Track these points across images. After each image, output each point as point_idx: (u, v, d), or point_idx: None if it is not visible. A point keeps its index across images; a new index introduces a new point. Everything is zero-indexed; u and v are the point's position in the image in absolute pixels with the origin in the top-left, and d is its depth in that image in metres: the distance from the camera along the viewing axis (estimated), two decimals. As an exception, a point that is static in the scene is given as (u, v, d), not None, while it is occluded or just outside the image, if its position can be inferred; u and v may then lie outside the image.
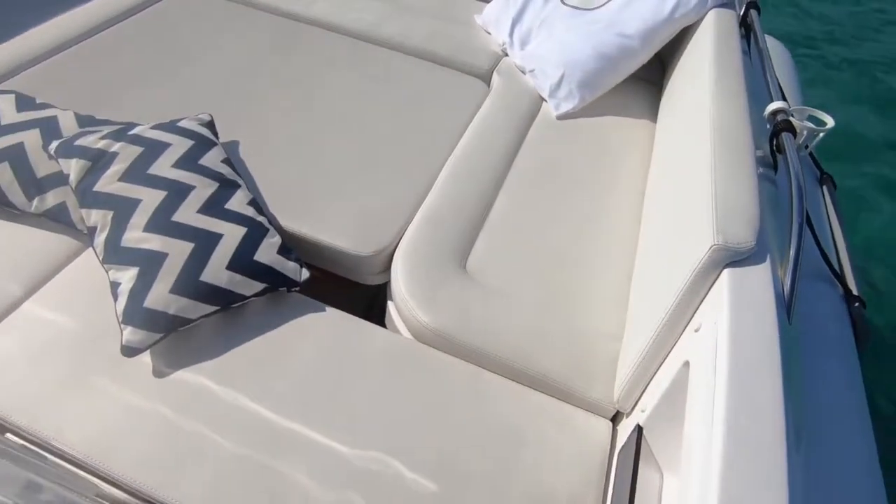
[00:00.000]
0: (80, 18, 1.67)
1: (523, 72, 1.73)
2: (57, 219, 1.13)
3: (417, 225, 1.23)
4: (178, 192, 1.08)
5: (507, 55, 1.82)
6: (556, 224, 1.31)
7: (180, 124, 1.22)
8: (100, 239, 1.03)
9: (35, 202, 1.13)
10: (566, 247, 1.26)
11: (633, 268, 1.21)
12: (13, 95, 1.26)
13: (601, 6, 1.67)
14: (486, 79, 1.76)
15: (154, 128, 1.19)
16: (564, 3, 1.72)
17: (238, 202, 1.13)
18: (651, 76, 1.79)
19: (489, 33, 1.90)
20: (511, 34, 1.78)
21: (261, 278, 1.05)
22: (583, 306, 1.15)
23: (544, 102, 1.67)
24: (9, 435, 0.95)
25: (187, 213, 1.05)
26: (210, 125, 1.29)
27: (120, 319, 0.96)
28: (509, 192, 1.36)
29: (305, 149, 1.38)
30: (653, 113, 1.70)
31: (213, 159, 1.18)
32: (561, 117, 1.62)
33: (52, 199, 1.13)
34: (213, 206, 1.09)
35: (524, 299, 1.14)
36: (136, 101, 1.46)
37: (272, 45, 1.72)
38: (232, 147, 1.37)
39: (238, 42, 1.71)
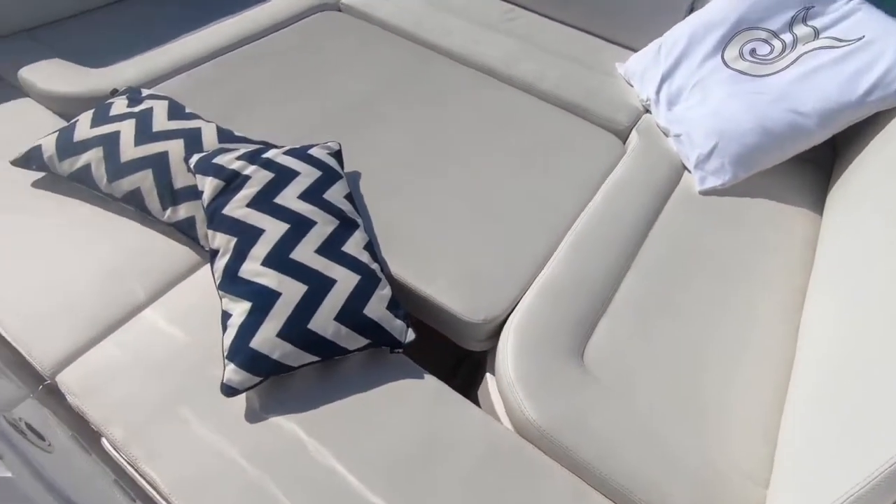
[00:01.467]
0: (232, 29, 1.75)
1: (667, 134, 1.57)
2: (185, 231, 1.16)
3: (534, 297, 1.13)
4: (299, 227, 1.05)
5: (649, 112, 1.67)
6: (693, 319, 1.14)
7: (311, 152, 1.21)
8: (220, 264, 1.03)
9: (168, 212, 1.15)
10: (704, 349, 1.09)
11: (789, 392, 1.02)
12: (167, 102, 1.31)
13: (772, 74, 1.47)
14: (623, 136, 1.62)
15: (287, 153, 1.18)
16: (727, 66, 1.54)
17: (355, 245, 1.08)
18: (817, 157, 1.56)
19: (631, 85, 1.76)
20: (658, 91, 1.63)
21: (366, 334, 0.99)
22: (720, 430, 0.97)
23: (687, 173, 1.50)
24: (104, 440, 0.96)
25: (305, 252, 1.02)
26: (338, 155, 1.27)
27: (225, 353, 0.94)
28: (640, 273, 1.22)
29: (422, 189, 1.33)
30: (816, 201, 1.47)
31: (336, 194, 1.15)
32: (705, 193, 1.44)
33: (183, 211, 1.15)
34: (331, 247, 1.05)
35: (650, 409, 0.99)
36: (271, 116, 1.48)
37: (405, 72, 1.70)
38: (352, 178, 1.34)
39: (373, 66, 1.71)
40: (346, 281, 1.01)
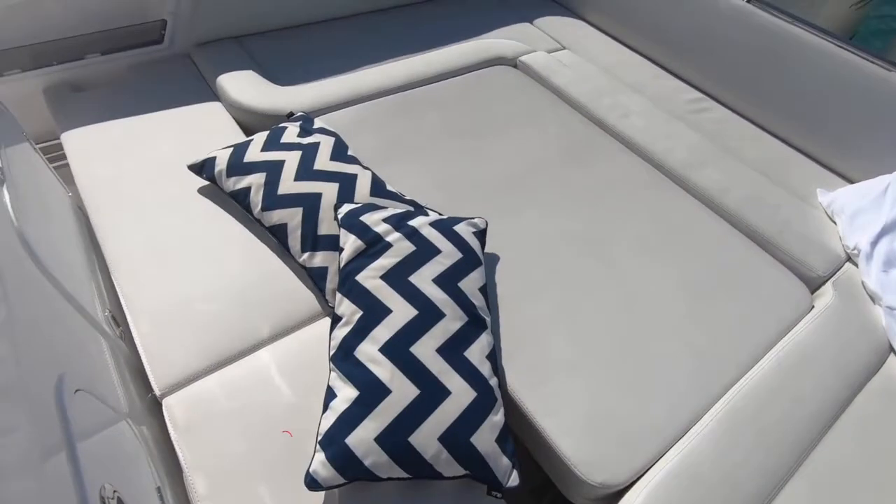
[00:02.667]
0: (407, 69, 1.75)
1: (875, 302, 1.27)
2: (314, 279, 1.13)
3: (666, 475, 0.93)
4: (427, 316, 0.97)
5: (854, 265, 1.37)
6: None
7: (456, 228, 1.13)
8: (339, 333, 0.98)
9: (305, 255, 1.14)
10: None
11: None
12: (333, 140, 1.32)
13: None
14: (814, 285, 1.34)
15: (433, 225, 1.11)
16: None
17: (479, 351, 0.97)
18: None
19: (834, 223, 1.47)
20: (874, 243, 1.33)
21: (468, 464, 0.87)
22: None
23: (894, 357, 1.19)
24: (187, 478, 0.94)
25: (427, 348, 0.93)
26: (482, 234, 1.18)
27: (319, 438, 0.87)
28: (810, 482, 0.96)
29: (565, 298, 1.18)
30: None
31: (472, 284, 1.06)
32: (917, 392, 1.13)
33: (319, 259, 1.13)
34: (454, 349, 0.95)
35: None
36: (426, 168, 1.44)
37: (572, 148, 1.57)
38: (490, 260, 1.24)
39: (539, 134, 1.61)
40: (460, 396, 0.90)
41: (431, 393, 0.89)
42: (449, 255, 1.07)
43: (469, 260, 1.09)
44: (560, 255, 1.27)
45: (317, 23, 1.96)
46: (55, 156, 1.56)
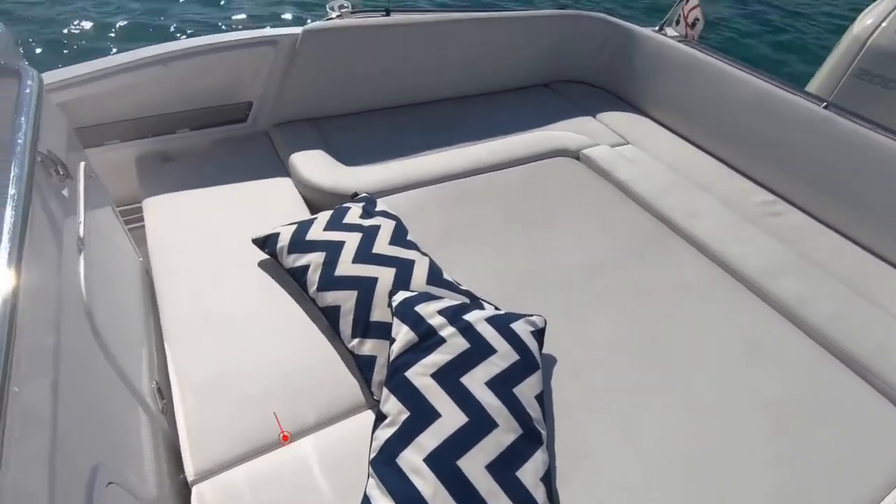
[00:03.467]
0: (469, 156, 1.79)
1: None
2: (361, 368, 1.09)
3: None
4: (478, 425, 0.89)
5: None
6: None
7: (513, 326, 1.07)
8: (382, 434, 0.91)
9: (355, 342, 1.11)
10: None
11: None
12: (394, 224, 1.32)
13: None
14: None
15: (489, 321, 1.06)
16: None
17: (532, 471, 0.88)
18: None
19: (942, 351, 1.29)
20: None
21: None
22: None
23: None
24: None
25: (475, 463, 0.85)
26: (540, 334, 1.11)
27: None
28: None
29: (630, 415, 1.07)
30: None
31: (528, 391, 0.98)
32: None
33: (368, 347, 1.09)
34: (505, 466, 0.86)
35: None
36: (484, 258, 1.41)
37: (637, 247, 1.51)
38: (547, 363, 1.16)
39: (602, 230, 1.56)
40: (510, 526, 0.80)
41: (478, 518, 0.80)
42: (505, 355, 1.00)
43: (526, 363, 1.02)
44: (623, 362, 1.18)
45: (385, 109, 2.07)
46: (134, 218, 1.66)
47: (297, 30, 1.73)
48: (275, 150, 1.79)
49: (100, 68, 1.49)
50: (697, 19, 2.64)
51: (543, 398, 1.02)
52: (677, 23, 2.57)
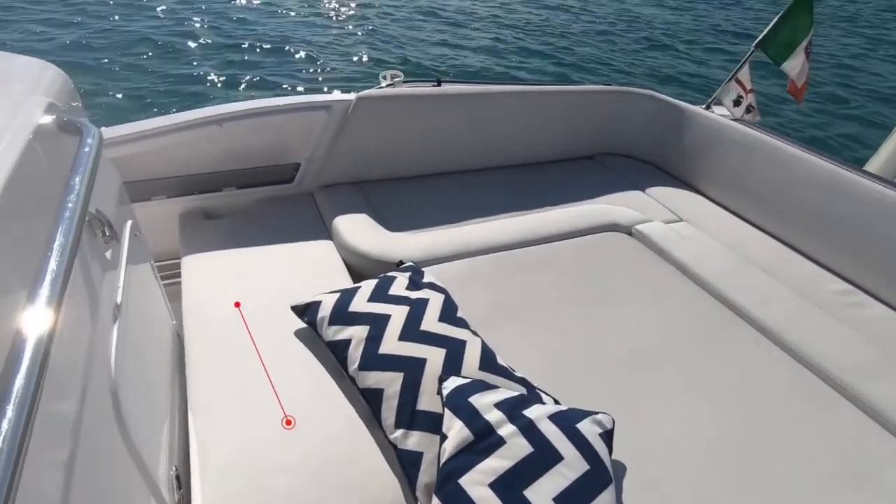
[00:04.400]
0: (517, 227, 1.72)
1: None
2: (404, 464, 0.96)
3: None
4: (546, 555, 0.74)
5: None
6: None
7: (579, 427, 0.93)
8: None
9: (398, 433, 0.98)
10: None
11: None
12: (442, 298, 1.23)
13: None
14: None
15: (552, 419, 0.93)
16: None
17: None
18: None
19: None
20: None
21: None
22: None
23: None
24: None
25: None
26: (608, 437, 0.97)
27: None
28: None
29: None
30: None
31: (601, 511, 0.83)
32: None
33: (414, 441, 0.96)
34: None
35: None
36: (537, 338, 1.30)
37: (699, 332, 1.38)
38: (617, 473, 1.01)
39: (658, 310, 1.44)
40: None
41: None
42: (573, 464, 0.87)
43: (597, 475, 0.87)
44: (699, 473, 1.01)
45: (432, 175, 2.04)
46: (172, 273, 1.61)
47: (351, 96, 1.75)
48: (319, 212, 1.76)
49: (158, 126, 1.51)
50: (752, 107, 2.61)
51: (617, 519, 0.86)
52: (737, 104, 2.54)
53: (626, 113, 2.28)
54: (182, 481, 0.95)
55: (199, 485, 0.91)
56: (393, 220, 1.72)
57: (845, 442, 1.11)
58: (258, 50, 6.07)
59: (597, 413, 1.00)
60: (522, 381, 1.09)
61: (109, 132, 1.46)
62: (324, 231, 1.65)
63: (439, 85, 1.96)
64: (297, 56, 6.09)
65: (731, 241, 1.85)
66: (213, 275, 1.41)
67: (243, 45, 6.08)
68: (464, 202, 1.89)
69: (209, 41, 6.10)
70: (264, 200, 1.78)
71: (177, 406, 1.09)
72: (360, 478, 0.96)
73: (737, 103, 2.67)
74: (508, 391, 0.99)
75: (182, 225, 1.62)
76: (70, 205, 0.59)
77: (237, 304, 1.31)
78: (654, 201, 2.09)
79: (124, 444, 0.74)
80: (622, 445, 1.04)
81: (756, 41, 2.65)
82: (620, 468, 1.01)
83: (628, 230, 1.83)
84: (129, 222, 1.00)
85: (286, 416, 1.04)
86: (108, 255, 0.82)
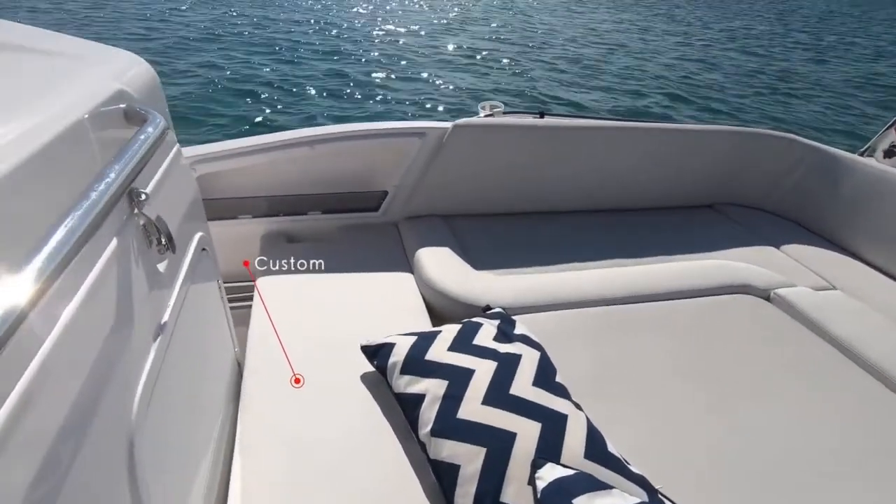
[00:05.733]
0: (627, 279, 1.46)
1: None
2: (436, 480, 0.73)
3: None
4: None
5: None
6: None
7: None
8: None
9: (433, 445, 0.76)
10: None
11: None
12: (538, 356, 1.01)
13: None
14: None
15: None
16: None
17: None
18: None
19: None
20: None
21: None
22: None
23: None
24: None
25: None
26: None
27: None
28: None
29: None
30: None
31: None
32: None
33: (447, 450, 0.73)
34: None
35: None
36: (647, 416, 1.04)
37: (876, 434, 1.02)
38: None
39: (815, 401, 1.11)
40: None
41: None
42: None
43: None
44: None
45: (527, 213, 1.85)
46: (244, 296, 1.54)
47: (448, 124, 1.63)
48: (402, 243, 1.62)
49: (249, 144, 1.47)
50: None
51: None
52: (889, 154, 2.13)
53: (758, 157, 1.96)
54: None
55: None
56: (481, 259, 1.53)
57: None
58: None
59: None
60: (640, 481, 0.82)
61: (200, 149, 1.44)
62: (406, 264, 1.51)
63: (542, 117, 1.80)
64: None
65: None
66: (286, 299, 1.30)
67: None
68: (561, 246, 1.67)
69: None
70: (348, 228, 1.69)
71: (223, 443, 0.96)
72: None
73: (889, 154, 2.25)
74: (623, 496, 0.74)
75: (263, 246, 1.55)
76: (100, 186, 0.47)
77: (307, 335, 1.18)
78: (795, 262, 1.73)
79: (139, 488, 0.60)
80: None
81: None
82: None
83: (766, 294, 1.50)
84: (199, 235, 0.91)
85: (339, 475, 0.86)
86: (160, 267, 0.70)
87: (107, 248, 0.56)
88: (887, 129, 2.23)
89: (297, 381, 1.03)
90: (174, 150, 0.86)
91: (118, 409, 0.54)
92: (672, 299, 1.42)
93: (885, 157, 2.08)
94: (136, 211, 0.63)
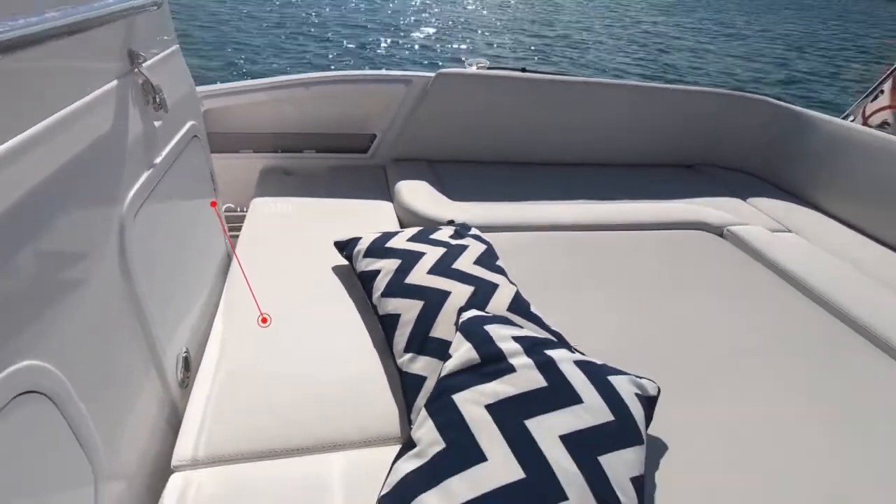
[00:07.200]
0: (583, 211, 1.58)
1: None
2: (406, 388, 0.87)
3: None
4: (537, 488, 0.61)
5: None
6: None
7: (612, 379, 0.78)
8: (403, 466, 0.67)
9: (405, 357, 0.90)
10: None
11: None
12: (484, 247, 1.15)
13: None
14: None
15: (579, 364, 0.79)
16: None
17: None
18: None
19: None
20: None
21: None
22: None
23: None
24: None
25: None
26: (650, 403, 0.80)
27: None
28: None
29: None
30: None
31: (621, 467, 0.67)
32: None
33: (419, 366, 0.88)
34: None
35: None
36: (585, 313, 1.15)
37: (797, 338, 1.13)
38: (653, 449, 0.83)
39: (751, 310, 1.21)
40: None
41: None
42: (594, 410, 0.72)
43: (624, 430, 0.72)
44: (769, 468, 0.79)
45: (507, 163, 1.99)
46: (236, 225, 1.72)
47: (432, 73, 1.78)
48: (387, 181, 1.78)
49: (250, 84, 1.65)
50: (887, 123, 2.25)
51: (644, 487, 0.69)
52: (869, 119, 2.21)
53: (736, 120, 2.06)
54: (192, 367, 0.95)
55: (205, 373, 0.90)
56: (457, 193, 1.68)
57: None
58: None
59: (640, 377, 0.84)
60: (556, 334, 0.95)
61: (207, 88, 1.62)
62: (388, 198, 1.66)
63: (524, 72, 1.93)
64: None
65: (857, 260, 1.54)
66: (275, 215, 1.46)
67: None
68: (539, 193, 1.80)
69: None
70: (339, 168, 1.85)
71: (208, 310, 1.12)
72: (362, 400, 0.89)
73: (869, 118, 2.32)
74: (536, 332, 0.88)
75: (261, 178, 1.72)
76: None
77: (289, 238, 1.34)
78: (755, 210, 1.83)
79: (131, 303, 0.76)
80: (674, 429, 0.86)
81: (904, 52, 2.30)
82: (661, 446, 0.83)
83: (719, 231, 1.61)
84: (191, 122, 1.08)
85: (304, 337, 1.02)
86: (156, 123, 0.87)
87: (110, 84, 0.72)
88: (867, 96, 2.32)
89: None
90: (174, 47, 1.03)
91: (111, 192, 0.70)
92: (629, 230, 1.54)
93: (864, 123, 2.17)
94: (136, 70, 0.80)
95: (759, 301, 1.25)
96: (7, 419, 0.47)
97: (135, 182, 0.76)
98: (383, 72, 1.77)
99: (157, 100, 0.85)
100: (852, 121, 2.26)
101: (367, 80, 1.74)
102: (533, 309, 0.99)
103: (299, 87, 1.68)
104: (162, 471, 0.80)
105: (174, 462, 0.75)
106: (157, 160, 0.86)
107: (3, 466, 0.46)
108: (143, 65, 0.81)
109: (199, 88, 1.51)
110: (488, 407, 0.70)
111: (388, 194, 1.68)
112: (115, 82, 0.74)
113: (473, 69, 1.84)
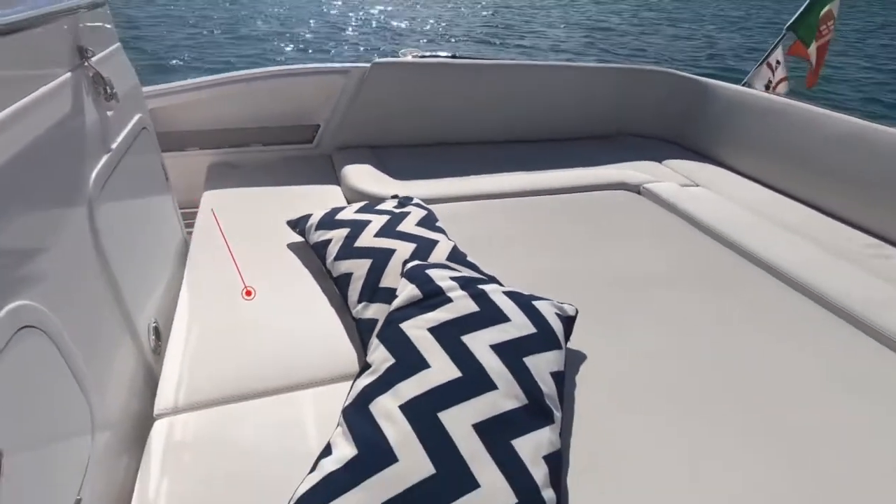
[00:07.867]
0: (523, 181, 1.74)
1: None
2: (361, 333, 0.99)
3: None
4: (473, 383, 0.74)
5: None
6: None
7: (537, 304, 0.93)
8: (361, 382, 0.79)
9: (359, 307, 1.02)
10: None
11: None
12: (425, 212, 1.28)
13: None
14: None
15: (507, 294, 0.93)
16: None
17: (534, 447, 0.70)
18: None
19: None
20: None
21: None
22: None
23: None
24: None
25: (460, 419, 0.69)
26: (569, 322, 0.95)
27: (293, 501, 0.64)
28: None
29: (669, 440, 0.85)
30: None
31: (542, 365, 0.81)
32: None
33: (372, 311, 1.00)
34: (499, 431, 0.69)
35: None
36: (521, 263, 1.30)
37: (699, 268, 1.32)
38: (574, 358, 0.98)
39: (657, 249, 1.39)
40: (492, 496, 0.62)
41: (451, 478, 0.63)
42: (519, 326, 0.86)
43: (545, 337, 0.86)
44: (677, 385, 0.96)
45: (444, 144, 2.12)
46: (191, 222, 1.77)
47: (368, 64, 1.89)
48: (334, 170, 1.88)
49: (193, 82, 1.71)
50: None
51: (563, 382, 0.84)
52: (768, 88, 2.48)
53: (644, 91, 2.28)
54: (162, 337, 1.03)
55: (176, 335, 0.98)
56: (400, 173, 1.80)
57: (856, 364, 1.01)
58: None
59: (562, 302, 0.99)
60: (490, 277, 1.09)
61: (149, 88, 1.66)
62: (336, 182, 1.76)
63: (454, 58, 2.07)
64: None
65: (755, 205, 1.77)
66: (227, 204, 1.54)
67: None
68: (476, 169, 1.94)
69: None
70: (286, 159, 1.93)
71: (173, 290, 1.19)
72: (324, 346, 1.00)
73: (766, 88, 2.60)
74: (470, 273, 1.01)
75: (209, 173, 1.78)
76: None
77: (242, 223, 1.42)
78: (669, 170, 2.04)
79: (103, 268, 0.84)
80: (589, 343, 1.01)
81: (789, 23, 2.59)
82: (579, 356, 0.99)
83: (637, 189, 1.80)
84: (138, 115, 1.15)
85: (266, 302, 1.11)
86: (108, 112, 0.95)
87: (65, 76, 0.80)
88: (760, 66, 2.59)
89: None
90: (117, 44, 1.10)
91: (77, 168, 0.78)
92: (559, 194, 1.71)
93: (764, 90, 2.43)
94: (85, 63, 0.88)
95: (671, 244, 1.44)
96: (12, 352, 0.55)
97: (96, 162, 0.84)
98: (321, 64, 1.87)
99: (108, 91, 0.92)
100: (768, 88, 2.54)
101: (307, 73, 1.83)
102: (469, 258, 1.12)
103: (240, 84, 1.75)
104: (144, 426, 0.89)
105: (157, 411, 0.84)
106: (113, 146, 0.93)
107: (14, 396, 0.55)
108: (92, 59, 0.88)
109: (143, 88, 1.57)
110: (430, 329, 0.83)
111: (335, 180, 1.78)
112: (68, 74, 0.81)
113: (408, 58, 1.97)
